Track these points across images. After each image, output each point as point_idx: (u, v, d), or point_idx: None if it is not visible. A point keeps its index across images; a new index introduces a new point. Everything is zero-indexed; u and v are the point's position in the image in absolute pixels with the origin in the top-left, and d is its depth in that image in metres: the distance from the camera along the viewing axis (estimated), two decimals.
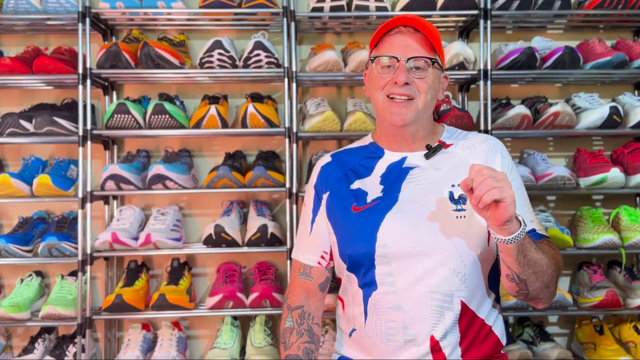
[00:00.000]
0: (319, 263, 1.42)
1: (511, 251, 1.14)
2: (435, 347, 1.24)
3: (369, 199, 1.34)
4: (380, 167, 1.38)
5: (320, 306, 1.44)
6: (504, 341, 1.35)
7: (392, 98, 1.31)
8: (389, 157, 1.39)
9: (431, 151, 1.36)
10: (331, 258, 1.42)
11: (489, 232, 1.29)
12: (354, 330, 1.34)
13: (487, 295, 1.32)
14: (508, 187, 1.08)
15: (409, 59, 1.30)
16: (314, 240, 1.42)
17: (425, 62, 1.31)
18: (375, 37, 1.37)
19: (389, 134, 1.39)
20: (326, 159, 1.47)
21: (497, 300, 1.37)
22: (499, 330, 1.33)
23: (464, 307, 1.26)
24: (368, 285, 1.30)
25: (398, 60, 1.30)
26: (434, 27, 1.33)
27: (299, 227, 1.50)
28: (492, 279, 1.34)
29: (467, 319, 1.27)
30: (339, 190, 1.39)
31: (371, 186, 1.36)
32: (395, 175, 1.35)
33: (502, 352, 1.37)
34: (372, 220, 1.30)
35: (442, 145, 1.37)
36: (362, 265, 1.30)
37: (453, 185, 1.31)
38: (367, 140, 1.47)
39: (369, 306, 1.29)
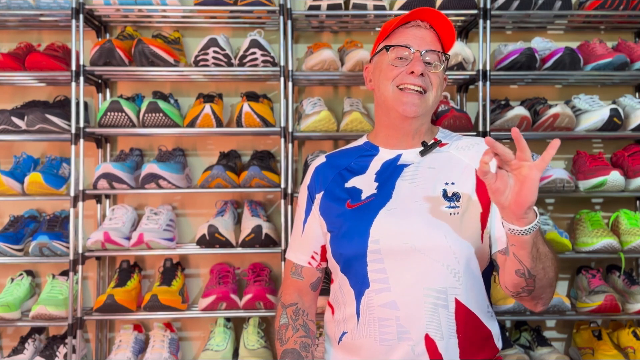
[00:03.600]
0: (309, 263, 1.42)
1: (526, 244, 1.09)
2: (430, 345, 1.22)
3: (363, 196, 1.33)
4: (375, 165, 1.38)
5: (313, 304, 1.44)
6: (499, 345, 1.33)
7: (402, 89, 1.31)
8: (384, 155, 1.39)
9: (426, 148, 1.35)
10: (322, 259, 1.42)
11: (482, 229, 1.28)
12: (344, 333, 1.31)
13: (481, 295, 1.30)
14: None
15: (423, 52, 1.30)
16: (305, 241, 1.42)
17: (438, 57, 1.32)
18: (388, 27, 1.36)
19: (392, 128, 1.37)
20: (321, 159, 1.47)
21: (490, 304, 1.35)
22: (495, 333, 1.32)
23: (459, 305, 1.24)
24: (361, 283, 1.28)
25: (413, 52, 1.30)
26: (452, 25, 1.34)
27: (293, 226, 1.50)
28: (485, 280, 1.32)
29: (463, 317, 1.24)
30: (333, 189, 1.38)
31: (366, 184, 1.35)
32: (390, 172, 1.35)
33: (497, 355, 1.35)
34: (366, 216, 1.29)
35: (437, 143, 1.37)
36: (355, 262, 1.28)
37: (447, 184, 1.30)
38: (361, 141, 1.47)
39: (362, 305, 1.27)
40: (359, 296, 1.27)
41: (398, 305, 1.23)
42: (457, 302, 1.23)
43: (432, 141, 1.37)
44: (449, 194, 1.28)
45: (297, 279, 1.43)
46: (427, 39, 1.32)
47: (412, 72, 1.28)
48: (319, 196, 1.40)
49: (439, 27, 1.34)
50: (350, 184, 1.37)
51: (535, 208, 1.09)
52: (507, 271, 1.20)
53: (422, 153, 1.35)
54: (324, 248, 1.40)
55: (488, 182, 1.06)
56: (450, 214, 1.26)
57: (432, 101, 1.33)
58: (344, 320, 1.31)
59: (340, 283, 1.33)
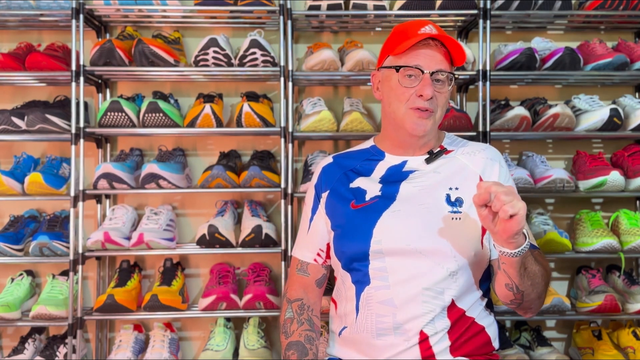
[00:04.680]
0: (315, 260, 1.45)
1: (515, 264, 1.15)
2: (424, 342, 1.25)
3: (367, 197, 1.36)
4: (380, 169, 1.41)
5: (318, 301, 1.47)
6: (496, 344, 1.34)
7: (412, 109, 1.32)
8: (390, 160, 1.42)
9: (432, 156, 1.38)
10: (327, 256, 1.45)
11: (482, 235, 1.31)
12: (344, 328, 1.35)
13: (478, 296, 1.33)
14: (518, 200, 1.07)
15: (432, 72, 1.30)
16: (310, 238, 1.46)
17: (446, 77, 1.33)
18: (397, 42, 1.34)
19: (401, 141, 1.40)
20: (328, 160, 1.51)
21: (489, 305, 1.38)
22: (492, 332, 1.33)
23: (454, 305, 1.27)
24: (361, 280, 1.31)
25: (422, 72, 1.30)
26: (462, 49, 1.33)
27: (300, 225, 1.52)
28: (484, 283, 1.35)
29: (458, 318, 1.27)
30: (338, 188, 1.42)
31: (370, 185, 1.38)
32: (395, 178, 1.38)
33: (494, 353, 1.36)
34: (370, 217, 1.32)
35: (443, 151, 1.40)
36: (357, 261, 1.32)
37: (450, 189, 1.33)
38: (368, 144, 1.50)
39: (361, 301, 1.30)
40: (359, 292, 1.31)
41: (395, 303, 1.26)
42: (453, 303, 1.27)
43: (438, 149, 1.40)
44: (452, 199, 1.32)
45: (302, 276, 1.46)
46: (437, 58, 1.31)
47: (421, 95, 1.30)
48: (324, 195, 1.43)
49: (449, 43, 1.32)
50: (355, 184, 1.40)
51: (525, 231, 1.14)
52: (498, 283, 1.26)
53: (428, 161, 1.38)
54: (329, 245, 1.43)
55: (478, 210, 1.11)
56: (452, 218, 1.29)
57: (438, 118, 1.35)
58: (344, 315, 1.35)
59: (343, 279, 1.37)
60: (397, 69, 1.33)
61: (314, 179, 1.49)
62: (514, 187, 1.36)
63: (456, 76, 1.36)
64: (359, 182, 1.40)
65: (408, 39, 1.31)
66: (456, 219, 1.29)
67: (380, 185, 1.37)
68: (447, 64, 1.33)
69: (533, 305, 1.27)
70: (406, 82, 1.32)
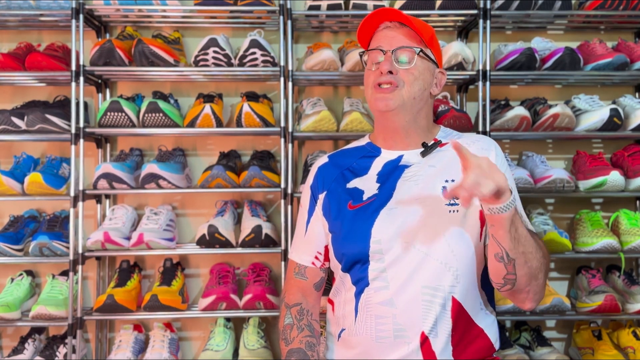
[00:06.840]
0: (312, 263, 1.43)
1: (504, 221, 1.12)
2: (425, 343, 1.24)
3: (364, 197, 1.35)
4: (377, 165, 1.39)
5: (316, 305, 1.45)
6: (497, 345, 1.33)
7: (376, 88, 1.35)
8: (386, 156, 1.40)
9: (427, 149, 1.37)
10: (326, 259, 1.43)
11: (481, 227, 1.29)
12: (343, 330, 1.34)
13: (479, 295, 1.31)
14: (496, 170, 1.08)
15: (394, 51, 1.34)
16: (308, 241, 1.43)
17: (410, 54, 1.34)
18: (362, 33, 1.40)
19: (382, 129, 1.41)
20: (323, 159, 1.49)
21: (491, 303, 1.36)
22: (492, 333, 1.32)
23: (456, 304, 1.25)
24: (361, 282, 1.30)
25: (385, 53, 1.34)
26: (422, 22, 1.37)
27: (296, 227, 1.50)
28: (485, 280, 1.33)
29: (459, 316, 1.26)
30: (335, 189, 1.40)
31: (367, 185, 1.37)
32: (391, 173, 1.37)
33: (494, 355, 1.35)
34: (367, 217, 1.31)
35: (437, 144, 1.38)
36: (357, 262, 1.31)
37: (447, 181, 1.31)
38: (363, 141, 1.49)
39: (360, 303, 1.29)
40: (358, 294, 1.30)
41: (395, 303, 1.25)
42: (454, 301, 1.25)
43: (432, 142, 1.38)
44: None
45: (300, 279, 1.44)
46: (397, 38, 1.35)
47: (382, 73, 1.33)
48: (321, 196, 1.42)
49: (411, 22, 1.34)
50: (352, 184, 1.39)
51: (511, 186, 1.12)
52: (489, 258, 1.22)
53: (423, 154, 1.37)
54: (327, 248, 1.41)
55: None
56: (450, 211, 1.28)
57: (408, 96, 1.33)
58: (343, 317, 1.34)
59: (343, 280, 1.36)
60: (362, 54, 1.40)
61: (310, 179, 1.47)
62: (511, 175, 1.36)
63: (420, 49, 1.35)
64: (355, 183, 1.38)
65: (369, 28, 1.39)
66: (454, 211, 1.28)
67: (378, 185, 1.35)
68: (412, 42, 1.35)
69: (529, 287, 1.22)
70: (374, 68, 1.36)
